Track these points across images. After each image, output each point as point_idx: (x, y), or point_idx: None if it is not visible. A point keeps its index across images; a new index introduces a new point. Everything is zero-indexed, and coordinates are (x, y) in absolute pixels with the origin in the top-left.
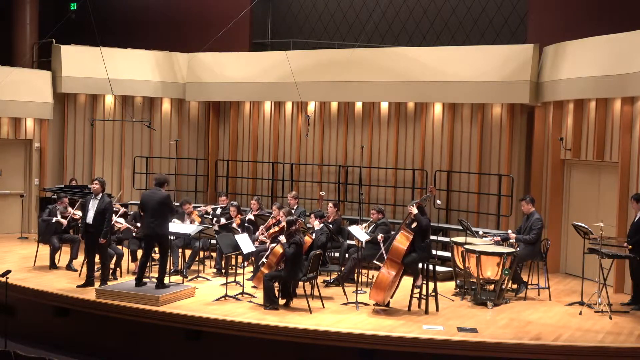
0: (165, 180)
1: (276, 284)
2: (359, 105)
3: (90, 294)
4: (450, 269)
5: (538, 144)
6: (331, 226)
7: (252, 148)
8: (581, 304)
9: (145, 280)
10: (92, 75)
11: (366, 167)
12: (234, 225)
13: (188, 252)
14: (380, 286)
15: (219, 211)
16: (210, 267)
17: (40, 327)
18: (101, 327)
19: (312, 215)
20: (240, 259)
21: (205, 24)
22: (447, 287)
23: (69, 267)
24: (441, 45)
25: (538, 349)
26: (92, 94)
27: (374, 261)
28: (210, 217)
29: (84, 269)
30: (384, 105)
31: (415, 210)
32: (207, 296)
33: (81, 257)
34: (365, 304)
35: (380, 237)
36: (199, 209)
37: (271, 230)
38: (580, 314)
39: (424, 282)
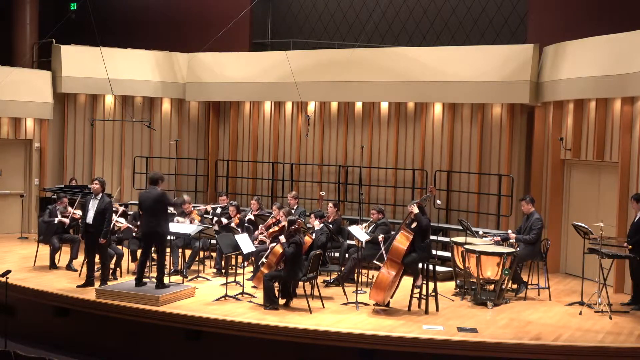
0: (159, 178)
1: (276, 284)
2: (359, 105)
3: (90, 294)
4: (450, 269)
5: (538, 144)
6: (331, 226)
7: (252, 148)
8: (581, 304)
9: (145, 280)
10: (92, 75)
11: (366, 167)
12: (233, 224)
13: (188, 252)
14: (380, 286)
15: (218, 210)
16: (210, 267)
17: (40, 327)
18: (101, 327)
19: (312, 215)
20: (240, 259)
21: (205, 24)
22: (447, 287)
23: (69, 267)
24: (441, 45)
25: (538, 349)
26: (92, 94)
27: (374, 261)
28: (210, 216)
29: (84, 269)
30: (384, 105)
31: (416, 210)
32: (207, 296)
33: (81, 257)
34: (365, 304)
35: (380, 237)
36: (198, 208)
37: (271, 230)
38: (580, 314)
39: (424, 282)
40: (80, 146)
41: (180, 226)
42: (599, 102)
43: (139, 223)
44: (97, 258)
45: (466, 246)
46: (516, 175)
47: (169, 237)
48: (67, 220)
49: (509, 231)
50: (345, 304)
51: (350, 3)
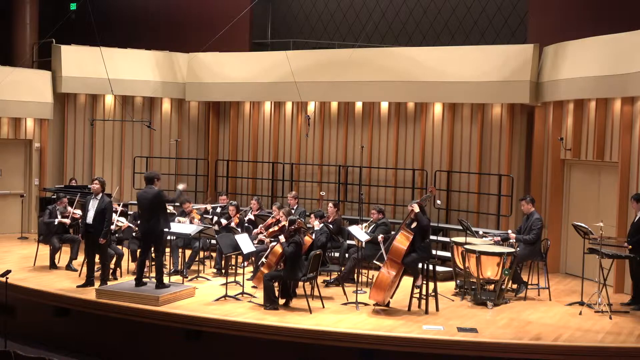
0: (155, 176)
1: (276, 284)
2: (359, 105)
3: (90, 294)
4: (450, 269)
5: (538, 144)
6: (331, 226)
7: (252, 148)
8: (581, 304)
9: (145, 280)
10: (92, 75)
11: (366, 167)
12: (233, 224)
13: (188, 252)
14: (380, 286)
15: (218, 210)
16: (210, 267)
17: (40, 327)
18: (101, 327)
19: (312, 215)
20: (240, 259)
21: (205, 24)
22: (447, 287)
23: (69, 267)
24: (441, 45)
25: (538, 349)
26: (92, 94)
27: (374, 261)
28: (210, 216)
29: (84, 269)
30: (384, 105)
31: (417, 209)
32: (207, 296)
33: (81, 257)
34: (365, 304)
35: (380, 237)
36: (197, 207)
37: (270, 230)
38: (580, 314)
39: (424, 282)
40: (80, 146)
41: (180, 226)
42: (599, 102)
43: (138, 222)
44: (97, 258)
45: (466, 246)
46: (516, 175)
47: (169, 237)
48: (67, 221)
49: (509, 231)
50: (345, 304)
51: (350, 3)
